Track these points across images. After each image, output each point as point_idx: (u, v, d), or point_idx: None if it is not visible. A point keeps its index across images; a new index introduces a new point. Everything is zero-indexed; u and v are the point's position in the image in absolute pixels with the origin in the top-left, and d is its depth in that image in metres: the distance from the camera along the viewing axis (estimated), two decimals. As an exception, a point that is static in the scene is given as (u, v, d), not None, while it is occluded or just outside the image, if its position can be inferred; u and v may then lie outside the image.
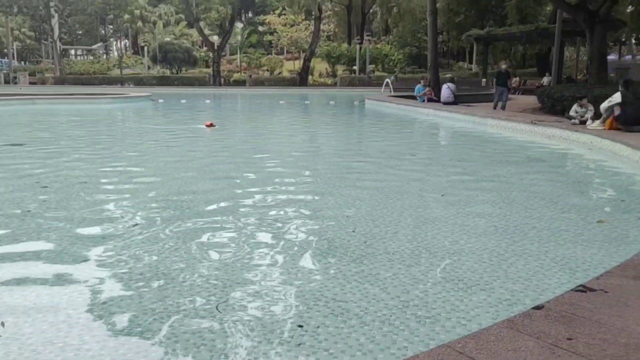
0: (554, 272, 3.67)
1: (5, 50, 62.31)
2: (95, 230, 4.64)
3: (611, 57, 39.05)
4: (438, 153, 10.92)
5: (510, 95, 19.18)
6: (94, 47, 71.65)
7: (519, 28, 27.83)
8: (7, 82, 47.81)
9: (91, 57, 69.55)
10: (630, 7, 24.21)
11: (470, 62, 49.58)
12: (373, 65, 48.59)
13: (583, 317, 2.26)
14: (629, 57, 46.34)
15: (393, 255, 3.99)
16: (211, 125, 13.72)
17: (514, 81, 33.37)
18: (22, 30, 70.96)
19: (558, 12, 19.52)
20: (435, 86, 21.67)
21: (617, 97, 9.89)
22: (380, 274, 3.63)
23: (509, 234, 4.53)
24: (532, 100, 18.48)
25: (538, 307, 2.39)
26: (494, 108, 17.44)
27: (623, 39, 40.34)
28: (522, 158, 9.30)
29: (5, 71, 51.68)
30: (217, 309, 3.09)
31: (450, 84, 19.43)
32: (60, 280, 3.52)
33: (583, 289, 2.59)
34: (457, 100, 19.36)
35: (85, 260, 3.89)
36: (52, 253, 4.04)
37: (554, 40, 20.38)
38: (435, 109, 17.80)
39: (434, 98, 20.47)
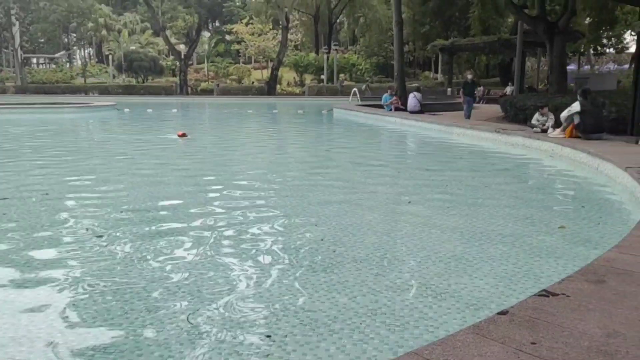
0: (518, 277, 3.75)
1: (-37, 58, 60.47)
2: (57, 241, 4.53)
3: (571, 67, 40.30)
4: (405, 161, 11.05)
5: (474, 104, 19.52)
6: (57, 55, 70.06)
7: (482, 39, 28.48)
8: (-35, 91, 46.33)
9: (54, 66, 68.02)
10: (588, 18, 25.06)
11: (436, 72, 50.41)
12: (343, 75, 48.91)
13: (546, 322, 2.31)
14: (587, 67, 47.89)
15: (361, 264, 4.01)
16: (184, 135, 13.50)
17: (478, 90, 34.12)
18: (-19, 38, 68.98)
19: (519, 24, 20.08)
20: (402, 95, 21.96)
21: (576, 107, 10.20)
22: (349, 282, 3.64)
23: (476, 241, 4.60)
24: (496, 109, 18.90)
25: (503, 313, 2.44)
26: (467, 118, 17.36)
27: (582, 50, 41.67)
28: (486, 165, 9.48)
29: (-37, 80, 50.07)
30: (187, 320, 3.05)
31: (416, 93, 19.71)
32: (22, 293, 3.42)
33: (546, 293, 2.65)
34: (424, 109, 19.65)
35: (48, 272, 3.79)
36: (13, 265, 3.92)
37: (515, 51, 20.93)
38: (402, 118, 18.02)
39: (401, 107, 20.72)
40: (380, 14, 49.46)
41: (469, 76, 18.95)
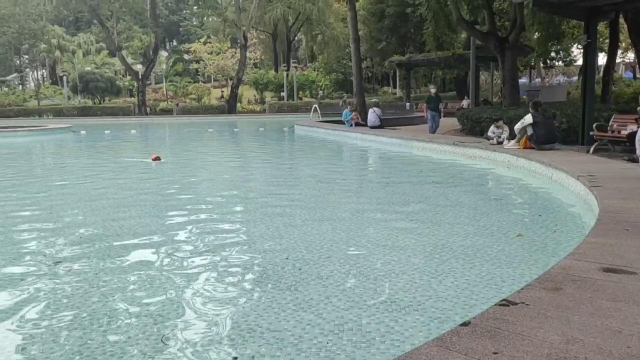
0: (480, 287, 3.82)
1: None
2: (15, 269, 4.37)
3: (522, 80, 41.68)
4: (367, 175, 11.15)
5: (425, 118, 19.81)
6: (8, 78, 68.02)
7: (437, 54, 29.16)
8: None
9: (5, 89, 65.99)
10: (536, 33, 26.02)
11: (395, 87, 51.30)
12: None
13: (507, 331, 2.36)
14: (538, 80, 49.59)
15: (326, 280, 4.02)
16: (157, 158, 12.76)
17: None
18: None
19: (472, 40, 20.69)
20: (362, 110, 22.22)
21: (528, 118, 10.54)
22: (314, 299, 3.64)
23: (438, 253, 4.68)
24: (453, 122, 19.32)
25: (465, 324, 2.48)
26: (433, 132, 17.00)
27: (532, 63, 43.15)
28: (446, 178, 9.67)
29: None
30: (162, 340, 2.99)
31: (375, 109, 19.98)
32: (-26, 329, 3.28)
33: (506, 303, 2.72)
34: (384, 123, 19.93)
35: (5, 302, 3.65)
36: (-36, 300, 3.76)
37: (469, 65, 21.53)
38: (362, 133, 18.23)
39: (361, 122, 20.96)
40: (338, 32, 50.14)
41: (433, 90, 18.73)
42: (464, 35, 31.97)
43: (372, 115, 19.75)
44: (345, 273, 4.19)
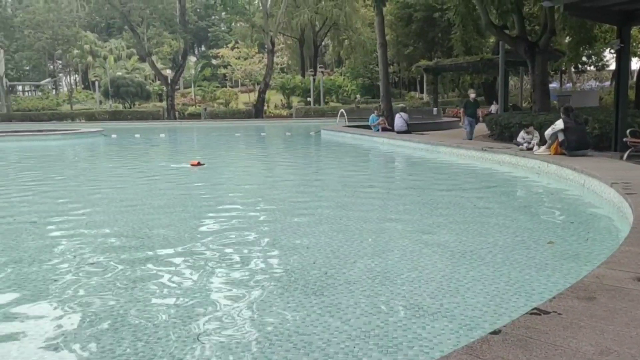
0: (509, 295, 3.76)
1: (-53, 87, 60.07)
2: (46, 270, 4.47)
3: (553, 85, 40.97)
4: (394, 181, 11.10)
5: (460, 124, 19.57)
6: (43, 82, 69.86)
7: (465, 59, 28.91)
8: (-51, 120, 45.93)
9: (39, 93, 67.79)
10: (567, 37, 25.59)
11: (422, 92, 51.01)
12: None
13: (539, 341, 2.32)
14: (569, 85, 48.72)
15: (353, 286, 4.01)
16: (198, 164, 12.40)
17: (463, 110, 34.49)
18: (-34, 66, 68.75)
19: (500, 44, 20.44)
20: (389, 115, 22.15)
21: (559, 124, 10.35)
22: (342, 304, 3.64)
23: (466, 260, 4.62)
24: (481, 127, 19.10)
25: (495, 332, 2.44)
26: (470, 139, 16.20)
27: (563, 68, 42.43)
28: (474, 184, 9.55)
29: (-53, 109, 49.69)
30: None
31: (402, 114, 19.88)
32: (13, 324, 3.37)
33: (537, 311, 2.67)
34: (410, 128, 19.81)
35: (38, 302, 3.74)
36: (1, 296, 3.86)
37: (498, 70, 21.27)
38: (389, 138, 18.16)
39: (388, 127, 20.88)
40: (364, 37, 50.15)
41: (472, 95, 17.70)
42: (492, 39, 31.66)
43: (399, 120, 19.65)
44: (372, 278, 4.18)
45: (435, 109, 32.26)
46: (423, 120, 26.83)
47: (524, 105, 31.96)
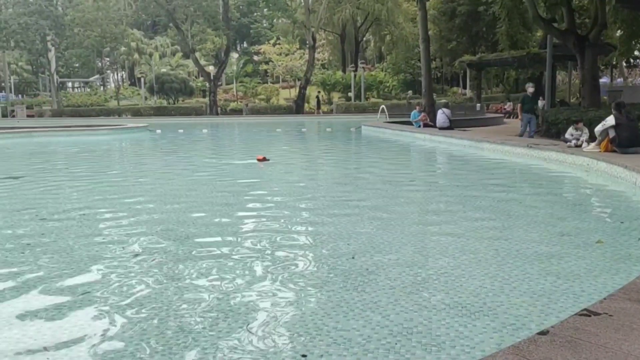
0: (557, 296, 3.66)
1: (3, 84, 62.78)
2: (95, 261, 4.62)
3: (603, 80, 39.60)
4: (436, 177, 10.96)
5: (505, 120, 19.18)
6: (91, 79, 72.22)
7: (510, 53, 28.22)
8: (4, 115, 48.00)
9: (88, 89, 70.05)
10: (619, 31, 24.67)
11: (464, 87, 50.15)
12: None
13: (589, 342, 2.25)
14: (620, 80, 46.96)
15: (394, 282, 3.98)
16: (264, 159, 12.14)
17: (508, 105, 33.78)
18: (19, 64, 71.60)
19: (548, 38, 19.86)
20: (431, 111, 21.89)
21: (610, 120, 9.99)
22: (382, 300, 3.61)
23: (511, 258, 4.52)
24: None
25: (543, 333, 2.38)
26: (520, 136, 15.53)
27: (614, 63, 40.92)
28: (520, 181, 9.33)
29: (2, 105, 51.94)
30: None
31: (445, 109, 19.61)
32: (61, 313, 3.49)
33: (587, 313, 2.59)
34: (453, 125, 19.52)
35: (86, 292, 3.86)
36: (51, 286, 4.01)
37: (545, 65, 20.68)
38: (431, 134, 17.93)
39: (430, 123, 20.64)
40: (407, 32, 49.66)
41: (530, 89, 16.60)
42: (539, 33, 30.79)
43: (442, 116, 19.40)
44: (414, 275, 4.13)
45: (478, 104, 31.65)
46: (466, 116, 26.38)
47: (572, 101, 31.00)
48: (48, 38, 49.84)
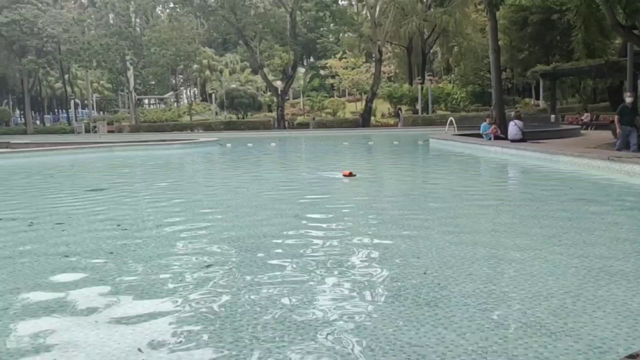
0: (645, 317, 3.43)
1: (86, 101, 66.86)
2: (173, 269, 4.79)
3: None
4: (509, 191, 10.61)
5: (582, 131, 18.33)
6: (166, 96, 75.62)
7: (587, 62, 27.02)
8: (87, 131, 51.13)
9: (163, 106, 73.35)
10: None
11: (537, 98, 48.43)
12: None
13: (686, 368, 2.10)
14: None
15: (468, 299, 3.87)
16: (350, 174, 11.66)
17: (585, 116, 32.29)
18: (101, 82, 76.14)
19: (628, 45, 18.89)
20: (502, 123, 21.28)
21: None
22: (456, 317, 3.53)
23: (592, 277, 4.29)
24: (606, 135, 17.75)
25: (632, 357, 2.24)
26: (618, 150, 14.11)
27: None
28: (600, 196, 8.87)
29: (86, 121, 55.32)
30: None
31: (517, 121, 18.99)
32: (142, 319, 3.64)
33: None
34: (525, 137, 18.87)
35: (166, 297, 4.01)
36: (133, 293, 4.19)
37: (625, 74, 19.64)
38: (502, 147, 17.41)
39: (501, 135, 20.07)
40: (475, 42, 48.68)
41: (629, 99, 14.94)
42: (618, 40, 29.34)
43: (514, 128, 18.81)
44: (488, 292, 4.00)
45: (552, 116, 30.47)
46: (539, 128, 25.42)
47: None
48: (127, 57, 52.76)
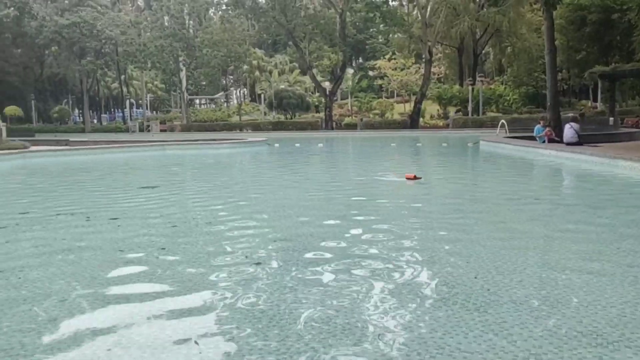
0: None
1: (141, 101, 69.03)
2: (223, 266, 4.87)
3: None
4: (563, 197, 10.26)
5: (642, 135, 17.48)
6: (216, 96, 77.19)
7: (649, 63, 25.90)
8: (141, 130, 52.82)
9: (213, 106, 74.89)
10: None
11: (595, 100, 46.68)
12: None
13: None
14: None
15: (520, 305, 3.76)
16: (415, 177, 11.36)
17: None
18: (155, 83, 78.43)
19: (697, 44, 17.92)
20: (557, 126, 20.62)
21: None
22: (507, 323, 3.43)
23: (653, 287, 4.09)
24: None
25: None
26: None
27: None
28: (661, 203, 8.45)
29: (140, 120, 57.16)
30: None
31: (573, 124, 18.35)
32: (192, 314, 3.72)
33: None
34: (582, 140, 18.20)
35: (214, 294, 4.09)
36: (183, 288, 4.29)
37: (693, 74, 18.64)
38: (557, 150, 16.85)
39: (556, 138, 19.43)
40: (530, 43, 47.38)
41: None
42: (684, 40, 27.91)
43: (569, 130, 18.18)
44: (542, 299, 3.88)
45: (611, 118, 29.28)
46: (597, 131, 24.48)
47: None
48: (180, 59, 54.18)
